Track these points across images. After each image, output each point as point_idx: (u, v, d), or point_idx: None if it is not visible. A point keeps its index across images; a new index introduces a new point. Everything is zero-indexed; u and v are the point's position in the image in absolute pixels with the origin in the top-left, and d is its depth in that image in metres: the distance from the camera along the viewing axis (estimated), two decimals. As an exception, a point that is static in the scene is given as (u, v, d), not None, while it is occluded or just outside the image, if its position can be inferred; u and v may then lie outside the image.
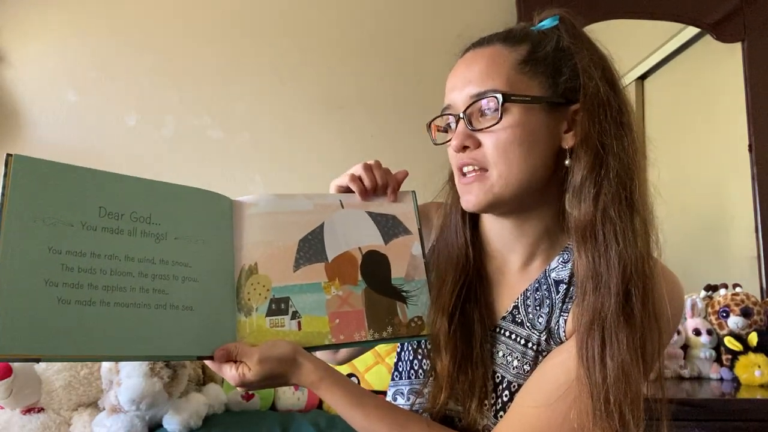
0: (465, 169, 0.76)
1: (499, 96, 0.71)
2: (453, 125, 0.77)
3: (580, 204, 0.71)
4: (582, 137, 0.72)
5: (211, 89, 2.07)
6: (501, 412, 0.77)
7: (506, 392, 0.77)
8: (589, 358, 0.67)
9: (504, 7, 2.06)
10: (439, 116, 0.81)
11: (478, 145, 0.74)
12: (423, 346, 0.86)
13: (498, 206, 0.76)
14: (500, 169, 0.73)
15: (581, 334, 0.69)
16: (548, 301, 0.78)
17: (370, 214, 0.86)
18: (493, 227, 0.83)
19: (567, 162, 0.74)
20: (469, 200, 0.76)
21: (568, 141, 0.74)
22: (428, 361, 0.83)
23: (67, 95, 2.00)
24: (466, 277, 0.81)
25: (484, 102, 0.73)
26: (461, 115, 0.75)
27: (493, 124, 0.72)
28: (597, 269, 0.69)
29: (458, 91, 0.76)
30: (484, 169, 0.74)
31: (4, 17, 1.98)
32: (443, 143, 0.81)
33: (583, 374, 0.67)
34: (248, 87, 2.08)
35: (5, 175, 0.64)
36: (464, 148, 0.75)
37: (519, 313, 0.80)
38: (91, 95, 2.01)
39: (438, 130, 0.83)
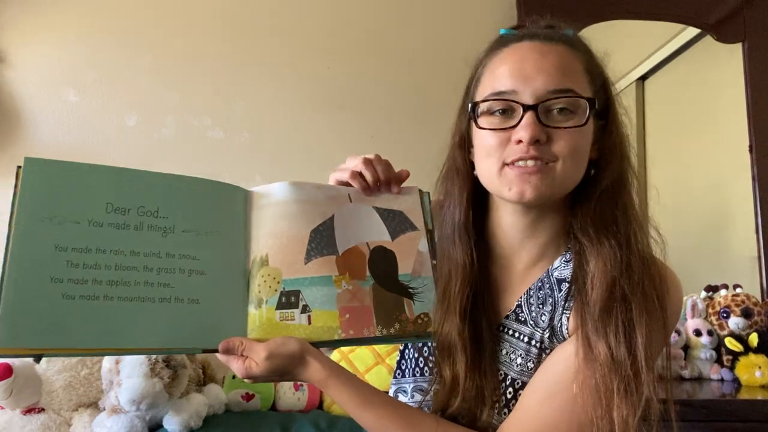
0: (528, 163, 0.72)
1: (586, 101, 0.73)
2: (516, 113, 0.73)
3: (604, 206, 0.76)
4: (610, 148, 0.77)
5: (211, 89, 2.06)
6: (505, 410, 0.77)
7: (510, 389, 0.78)
8: (612, 336, 0.69)
9: (504, 7, 2.06)
10: (496, 99, 0.75)
11: (546, 139, 0.72)
12: (429, 345, 0.86)
13: (548, 202, 0.77)
14: (566, 167, 0.73)
15: (601, 315, 0.71)
16: (551, 300, 0.78)
17: (376, 209, 0.85)
18: (508, 223, 0.82)
19: (592, 171, 0.78)
20: (525, 190, 0.73)
21: (593, 153, 0.78)
22: (434, 360, 0.82)
23: (67, 95, 1.99)
24: (472, 281, 0.80)
25: (567, 101, 0.73)
26: (536, 107, 0.72)
27: (578, 126, 0.73)
28: (617, 254, 0.73)
29: (531, 80, 0.73)
30: (549, 163, 0.73)
31: (4, 17, 1.97)
32: (503, 129, 0.74)
33: (602, 354, 0.68)
34: (248, 87, 2.08)
35: (17, 176, 0.67)
36: (536, 141, 0.72)
37: (522, 311, 0.81)
38: (91, 95, 2.01)
39: (488, 113, 0.76)
